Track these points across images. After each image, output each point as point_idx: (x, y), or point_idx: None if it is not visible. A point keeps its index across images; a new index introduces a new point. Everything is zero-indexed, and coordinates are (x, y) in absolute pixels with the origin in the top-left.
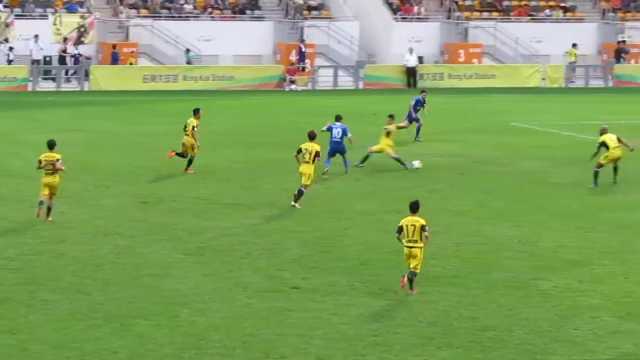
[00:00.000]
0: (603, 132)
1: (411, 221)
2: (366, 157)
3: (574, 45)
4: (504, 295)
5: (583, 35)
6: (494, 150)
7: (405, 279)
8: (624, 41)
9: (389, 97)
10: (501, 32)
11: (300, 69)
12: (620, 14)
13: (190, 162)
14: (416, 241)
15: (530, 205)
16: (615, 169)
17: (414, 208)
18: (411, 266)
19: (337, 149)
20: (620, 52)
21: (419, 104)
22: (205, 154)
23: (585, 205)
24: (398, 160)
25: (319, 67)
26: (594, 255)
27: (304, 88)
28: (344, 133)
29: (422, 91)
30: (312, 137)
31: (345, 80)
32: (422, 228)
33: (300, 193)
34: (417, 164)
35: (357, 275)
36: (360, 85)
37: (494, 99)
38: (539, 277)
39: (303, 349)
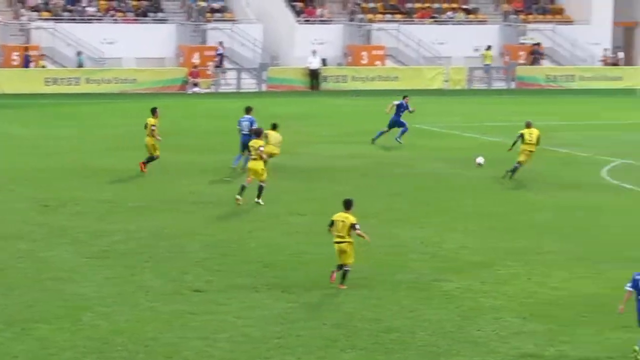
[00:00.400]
0: (527, 125)
1: (342, 217)
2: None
3: (489, 47)
4: (407, 296)
5: (485, 37)
6: (398, 152)
7: (335, 274)
8: (538, 44)
9: (292, 100)
10: (404, 34)
11: (220, 72)
12: (522, 16)
13: (150, 160)
14: (344, 237)
15: (434, 206)
16: (514, 168)
17: (347, 205)
18: (343, 262)
19: (245, 142)
20: (535, 54)
21: (402, 109)
22: (109, 156)
23: (488, 207)
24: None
25: (223, 69)
26: (497, 256)
27: (207, 91)
28: (251, 125)
29: (404, 96)
30: (257, 134)
31: (249, 83)
32: (352, 226)
33: (260, 189)
34: (480, 160)
35: (261, 277)
36: (264, 88)
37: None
38: (442, 279)
39: (206, 351)
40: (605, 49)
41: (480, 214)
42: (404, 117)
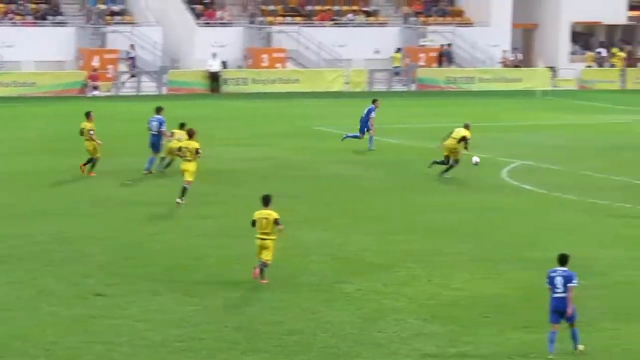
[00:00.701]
0: (465, 127)
1: (264, 214)
2: (170, 163)
3: (399, 49)
4: (309, 299)
5: (386, 40)
6: (299, 154)
7: (258, 270)
8: (449, 44)
9: (192, 102)
10: (304, 36)
11: (131, 75)
12: (422, 18)
13: (90, 162)
14: (268, 234)
15: (335, 208)
16: (448, 166)
17: (266, 201)
18: (263, 258)
19: (154, 142)
20: (444, 56)
21: (371, 113)
22: (7, 160)
23: (389, 209)
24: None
25: (123, 72)
26: (398, 258)
27: (107, 94)
28: (160, 126)
29: (374, 100)
30: (190, 134)
31: (149, 86)
32: (275, 221)
33: (184, 190)
34: (476, 159)
35: (163, 281)
36: (164, 91)
37: (297, 104)
38: (344, 281)
39: (108, 356)
40: (504, 51)
41: (381, 216)
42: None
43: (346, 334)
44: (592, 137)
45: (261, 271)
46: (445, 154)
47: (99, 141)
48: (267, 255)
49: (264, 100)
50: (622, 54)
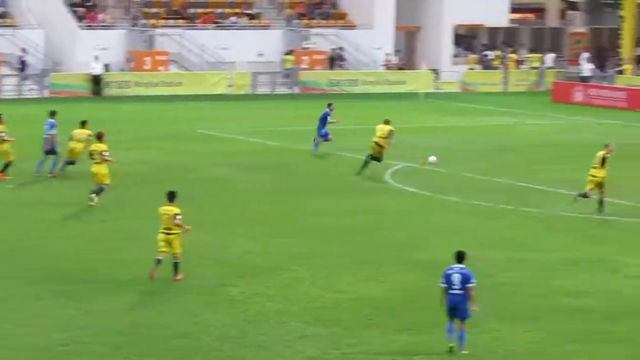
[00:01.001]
0: (385, 122)
1: (166, 210)
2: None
3: (290, 52)
4: (193, 302)
5: (269, 42)
6: (182, 157)
7: (155, 272)
8: (340, 48)
9: (75, 105)
10: (187, 39)
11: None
12: (305, 21)
13: (6, 166)
14: (171, 229)
15: (218, 211)
16: (366, 163)
17: (171, 197)
18: (166, 252)
19: (46, 145)
20: (335, 59)
21: (327, 117)
22: None
23: (272, 211)
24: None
25: (4, 75)
26: (282, 260)
27: None
28: (51, 129)
29: (329, 104)
30: (99, 137)
31: (31, 89)
32: (174, 217)
33: (100, 190)
34: (433, 159)
35: (46, 285)
36: (46, 94)
37: (180, 107)
38: (227, 283)
39: None
40: (388, 54)
41: (264, 219)
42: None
43: (230, 336)
44: (474, 139)
45: (175, 267)
46: (375, 151)
47: (10, 139)
48: (175, 250)
49: (147, 103)
50: (514, 56)
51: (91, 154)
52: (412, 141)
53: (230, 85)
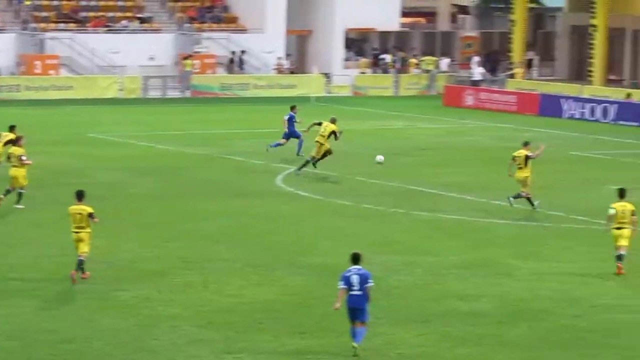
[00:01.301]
0: (331, 121)
1: (78, 209)
2: None
3: (189, 56)
4: (85, 306)
5: (160, 46)
6: (73, 161)
7: (75, 273)
8: (243, 51)
9: None
10: (78, 43)
11: None
12: (196, 25)
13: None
14: (83, 227)
15: (109, 216)
16: (320, 160)
17: (79, 196)
18: (79, 251)
19: None
20: (234, 63)
21: (294, 119)
22: None
23: (164, 215)
24: None
25: None
26: (173, 264)
27: None
28: None
29: (292, 106)
30: (16, 141)
31: None
32: (90, 215)
33: (19, 195)
34: (380, 158)
35: None
36: None
37: (71, 111)
38: (119, 288)
39: None
40: (279, 58)
41: (155, 223)
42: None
43: (122, 341)
44: (366, 142)
45: (79, 266)
46: (314, 152)
47: None
48: (83, 248)
49: (38, 107)
50: (414, 60)
51: (9, 157)
52: (303, 145)
53: (121, 89)
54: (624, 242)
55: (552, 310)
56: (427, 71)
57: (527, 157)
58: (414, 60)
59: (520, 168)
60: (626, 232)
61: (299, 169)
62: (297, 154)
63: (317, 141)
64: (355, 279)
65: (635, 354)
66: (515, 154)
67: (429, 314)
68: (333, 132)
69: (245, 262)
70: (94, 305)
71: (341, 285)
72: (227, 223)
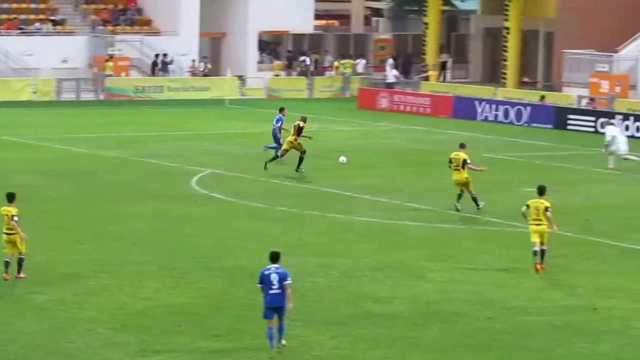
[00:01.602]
0: (302, 119)
1: (5, 211)
2: None
3: (112, 58)
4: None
5: (74, 49)
6: None
7: (8, 274)
8: (165, 54)
9: None
10: None
11: None
12: (110, 28)
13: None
14: (11, 229)
15: (23, 219)
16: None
17: (10, 198)
18: (9, 252)
19: None
20: (157, 66)
21: (281, 122)
22: None
23: (79, 218)
24: None
25: None
26: (88, 267)
27: None
28: None
29: (281, 108)
30: None
31: None
32: (11, 217)
33: None
34: (343, 159)
35: None
36: None
37: None
38: (34, 291)
39: None
40: (193, 60)
41: (69, 226)
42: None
43: (37, 344)
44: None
45: (19, 264)
46: (285, 147)
47: None
48: (21, 249)
49: None
50: (337, 63)
51: None
52: (218, 148)
53: (35, 92)
54: (540, 239)
55: (466, 313)
56: (345, 73)
57: (465, 162)
58: (336, 63)
59: (457, 170)
60: (543, 228)
61: (269, 162)
62: (265, 149)
63: (288, 139)
64: (274, 278)
65: (549, 355)
66: (452, 155)
67: (344, 316)
68: (300, 129)
69: (161, 264)
70: (9, 308)
71: (259, 284)
72: (142, 226)
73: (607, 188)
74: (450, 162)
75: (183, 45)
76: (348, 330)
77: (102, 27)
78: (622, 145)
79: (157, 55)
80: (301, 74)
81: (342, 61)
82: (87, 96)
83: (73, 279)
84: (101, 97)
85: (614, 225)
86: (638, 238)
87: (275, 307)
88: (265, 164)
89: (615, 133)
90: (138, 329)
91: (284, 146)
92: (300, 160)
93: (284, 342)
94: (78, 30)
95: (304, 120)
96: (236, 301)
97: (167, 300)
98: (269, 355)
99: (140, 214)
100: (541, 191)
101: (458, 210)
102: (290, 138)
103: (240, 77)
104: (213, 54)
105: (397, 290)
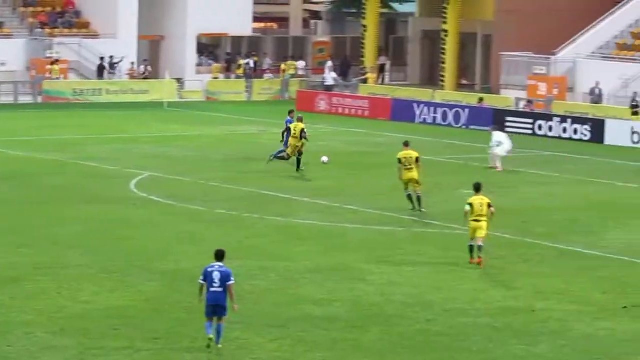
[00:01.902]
0: (298, 120)
1: None
2: None
3: (56, 61)
4: None
5: (11, 51)
6: None
7: None
8: (111, 57)
9: None
10: None
11: None
12: (48, 30)
13: None
14: None
15: None
16: (281, 158)
17: None
18: None
19: None
20: (105, 68)
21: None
22: None
23: (17, 221)
24: None
25: None
26: (25, 271)
27: None
28: None
29: (290, 111)
30: None
31: None
32: None
33: None
34: (325, 159)
35: None
36: None
37: None
38: None
39: None
40: (132, 63)
41: (7, 229)
42: None
43: None
44: (219, 148)
45: None
46: (289, 151)
47: None
48: None
49: None
50: (284, 66)
51: None
52: (157, 151)
53: None
54: (481, 234)
55: (406, 315)
56: (292, 76)
57: (417, 159)
58: (283, 66)
59: (409, 169)
60: (484, 224)
61: (273, 157)
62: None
63: (291, 142)
64: (216, 276)
65: (487, 357)
66: (401, 155)
67: (284, 319)
68: (302, 130)
69: (99, 268)
70: None
71: (201, 280)
72: (81, 229)
73: (545, 190)
74: (400, 161)
75: (121, 48)
76: (288, 332)
77: (40, 30)
78: (506, 147)
79: (102, 58)
80: (246, 76)
81: (288, 63)
82: (25, 99)
83: (11, 283)
84: (39, 100)
85: (552, 227)
86: (576, 240)
87: (215, 305)
88: (270, 157)
89: (502, 138)
90: (77, 333)
91: (288, 150)
92: (299, 161)
93: (219, 345)
94: (16, 33)
95: (301, 120)
96: (175, 304)
97: (106, 304)
98: (207, 358)
99: (79, 217)
100: (477, 188)
101: (421, 211)
102: (296, 142)
103: (179, 80)
104: (152, 57)
105: (337, 292)
